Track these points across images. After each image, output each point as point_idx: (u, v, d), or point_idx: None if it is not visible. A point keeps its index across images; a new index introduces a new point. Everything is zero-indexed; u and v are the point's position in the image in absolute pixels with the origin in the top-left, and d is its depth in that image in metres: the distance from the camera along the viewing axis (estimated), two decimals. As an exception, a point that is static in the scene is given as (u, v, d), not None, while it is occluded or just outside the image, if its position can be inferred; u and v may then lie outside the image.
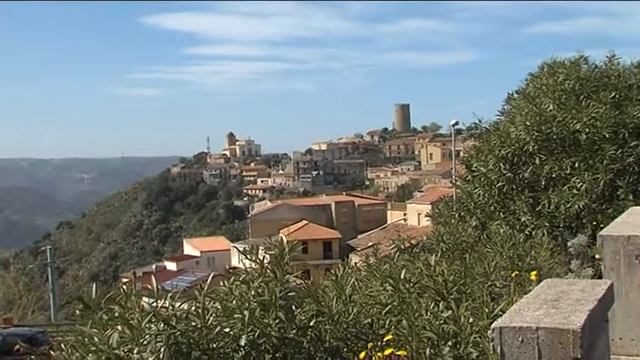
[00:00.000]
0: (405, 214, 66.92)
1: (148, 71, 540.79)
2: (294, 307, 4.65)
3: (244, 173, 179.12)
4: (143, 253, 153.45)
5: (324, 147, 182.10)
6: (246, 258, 4.97)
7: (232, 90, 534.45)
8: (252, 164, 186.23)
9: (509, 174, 10.39)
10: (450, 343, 4.36)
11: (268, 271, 4.75)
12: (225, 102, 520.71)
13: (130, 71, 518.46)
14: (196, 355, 4.21)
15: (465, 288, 5.22)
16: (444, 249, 9.42)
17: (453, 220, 11.25)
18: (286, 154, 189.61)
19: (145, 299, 4.37)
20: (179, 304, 4.38)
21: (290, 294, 4.67)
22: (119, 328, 4.19)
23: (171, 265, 76.41)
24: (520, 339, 2.83)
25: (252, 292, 4.54)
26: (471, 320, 4.44)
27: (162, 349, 4.10)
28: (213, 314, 4.36)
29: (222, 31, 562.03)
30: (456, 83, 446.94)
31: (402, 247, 9.27)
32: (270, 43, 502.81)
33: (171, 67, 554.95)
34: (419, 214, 57.23)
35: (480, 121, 11.76)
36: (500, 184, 10.48)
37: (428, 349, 4.37)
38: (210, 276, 5.01)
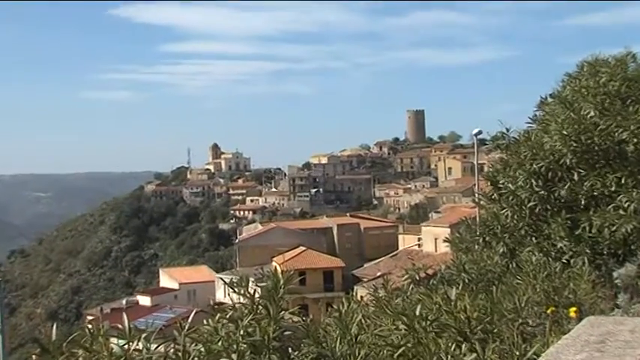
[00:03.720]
0: (419, 239, 67.02)
1: (119, 71, 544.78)
2: (290, 350, 4.65)
3: (231, 191, 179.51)
4: (112, 285, 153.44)
5: (324, 160, 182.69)
6: (234, 291, 4.97)
7: (217, 94, 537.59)
8: (241, 181, 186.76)
9: (542, 192, 10.39)
10: (474, 391, 4.35)
11: (260, 306, 4.75)
12: (209, 108, 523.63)
13: (97, 71, 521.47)
14: (175, 407, 4.20)
15: (492, 327, 5.22)
16: (467, 280, 9.40)
17: (476, 246, 11.24)
18: (280, 169, 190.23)
19: (115, 341, 4.36)
20: (155, 346, 4.37)
21: (285, 334, 4.67)
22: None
23: (144, 300, 76.44)
24: (558, 387, 2.82)
25: (241, 332, 4.53)
26: (499, 365, 4.43)
27: (134, 400, 4.09)
28: (196, 358, 4.35)
29: (205, 25, 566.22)
30: (478, 85, 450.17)
31: (417, 277, 9.27)
32: (262, 39, 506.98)
33: (145, 66, 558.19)
34: (436, 239, 57.34)
35: (507, 130, 11.77)
36: (531, 203, 10.48)
37: (449, 399, 4.36)
38: (192, 313, 5.01)
